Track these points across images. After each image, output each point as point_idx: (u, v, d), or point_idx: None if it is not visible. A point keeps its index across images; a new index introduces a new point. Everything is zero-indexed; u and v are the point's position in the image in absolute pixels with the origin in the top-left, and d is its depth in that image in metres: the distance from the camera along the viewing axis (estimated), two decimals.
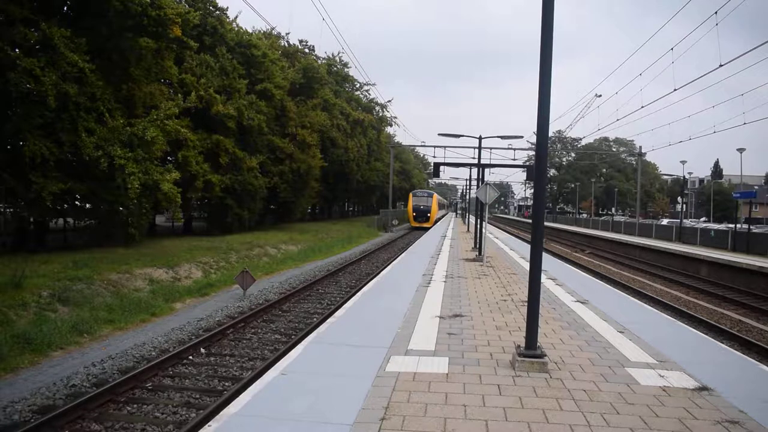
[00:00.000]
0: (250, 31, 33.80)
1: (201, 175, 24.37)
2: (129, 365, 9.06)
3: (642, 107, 73.24)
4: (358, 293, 11.76)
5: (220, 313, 13.24)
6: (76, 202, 19.63)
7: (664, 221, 56.77)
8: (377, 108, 62.92)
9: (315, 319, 12.46)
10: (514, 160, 67.55)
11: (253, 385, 5.51)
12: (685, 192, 66.00)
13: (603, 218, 68.69)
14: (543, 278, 10.95)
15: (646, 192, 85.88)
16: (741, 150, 41.44)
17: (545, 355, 6.10)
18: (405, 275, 13.98)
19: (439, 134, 51.38)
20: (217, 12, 29.86)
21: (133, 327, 11.71)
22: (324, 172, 41.33)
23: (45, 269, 13.61)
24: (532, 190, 7.63)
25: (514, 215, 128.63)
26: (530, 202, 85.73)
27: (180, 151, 23.17)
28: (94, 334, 10.79)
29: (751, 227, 31.15)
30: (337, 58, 53.66)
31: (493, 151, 61.34)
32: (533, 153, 22.21)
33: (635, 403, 5.08)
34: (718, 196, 75.33)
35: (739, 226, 35.26)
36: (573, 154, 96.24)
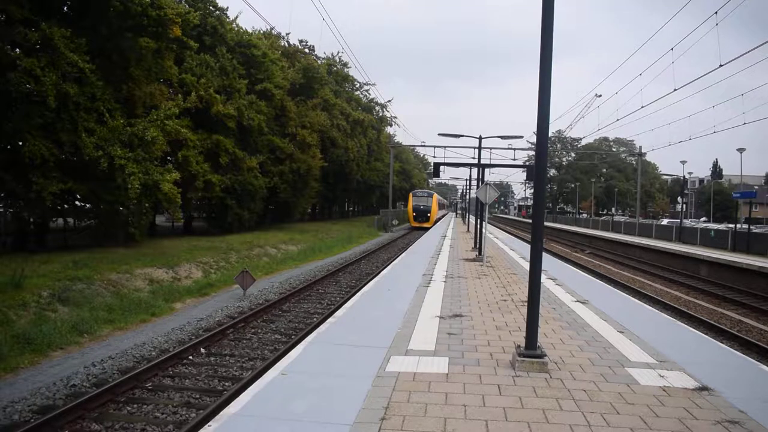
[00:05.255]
0: (250, 31, 33.84)
1: (201, 175, 24.36)
2: (129, 365, 9.06)
3: (642, 107, 73.03)
4: (358, 293, 11.76)
5: (220, 313, 13.24)
6: (76, 202, 19.63)
7: (664, 221, 56.76)
8: (377, 108, 63.00)
9: (315, 319, 12.46)
10: (514, 160, 67.39)
11: (253, 385, 5.51)
12: (685, 192, 66.01)
13: (603, 218, 68.67)
14: (543, 278, 10.96)
15: (646, 192, 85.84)
16: (741, 150, 41.45)
17: (545, 355, 6.10)
18: (405, 275, 13.98)
19: (439, 134, 51.48)
20: (217, 12, 29.86)
21: (133, 327, 11.71)
22: (324, 172, 41.34)
23: (45, 269, 13.61)
24: (532, 190, 7.63)
25: (514, 215, 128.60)
26: (530, 202, 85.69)
27: (180, 151, 23.16)
28: (94, 334, 10.79)
29: (751, 227, 31.14)
30: (337, 58, 53.72)
31: (493, 151, 61.47)
32: (533, 153, 22.22)
33: (635, 403, 5.08)
34: (718, 196, 75.33)
35: (739, 226, 35.25)
36: (573, 154, 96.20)
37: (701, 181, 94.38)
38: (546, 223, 30.54)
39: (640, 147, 63.59)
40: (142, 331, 11.40)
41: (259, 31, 36.91)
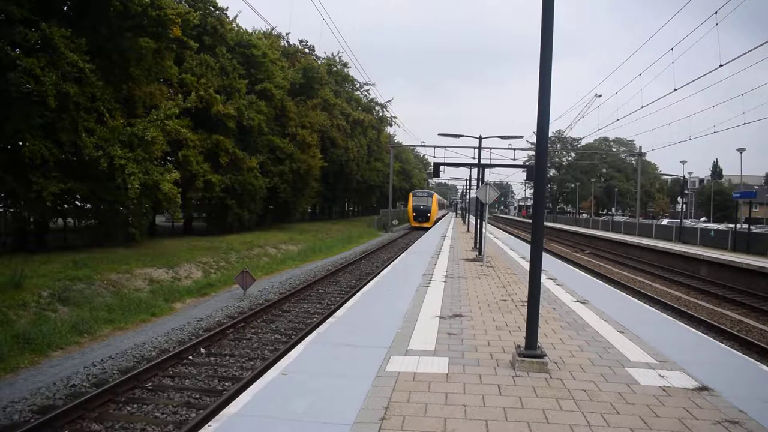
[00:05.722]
0: (250, 31, 33.84)
1: (201, 175, 24.37)
2: (129, 365, 9.06)
3: (642, 107, 73.40)
4: (358, 293, 11.76)
5: (220, 313, 13.24)
6: (76, 202, 19.62)
7: (664, 221, 56.74)
8: (377, 108, 63.00)
9: (315, 319, 12.47)
10: (514, 160, 67.44)
11: (253, 385, 5.51)
12: (685, 192, 66.00)
13: (603, 218, 68.65)
14: (543, 278, 10.94)
15: (646, 192, 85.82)
16: (741, 150, 41.49)
17: (545, 355, 6.10)
18: (405, 275, 13.98)
19: (439, 134, 51.52)
20: (217, 12, 29.82)
21: (133, 327, 11.71)
22: (324, 172, 41.32)
23: (45, 269, 13.61)
24: (532, 190, 7.63)
25: (514, 215, 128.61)
26: (530, 202, 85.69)
27: (180, 151, 23.17)
28: (94, 334, 10.80)
29: (751, 227, 31.14)
30: (337, 58, 53.68)
31: (493, 151, 61.46)
32: (533, 153, 22.24)
33: (635, 403, 5.08)
34: (718, 196, 75.30)
35: (739, 226, 35.24)
36: (573, 154, 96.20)
37: (701, 181, 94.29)
38: (546, 223, 30.52)
39: (640, 147, 63.57)
40: (142, 331, 11.40)
41: (259, 31, 36.89)
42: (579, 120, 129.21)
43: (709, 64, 48.42)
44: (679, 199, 68.44)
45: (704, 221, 64.68)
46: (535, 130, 6.14)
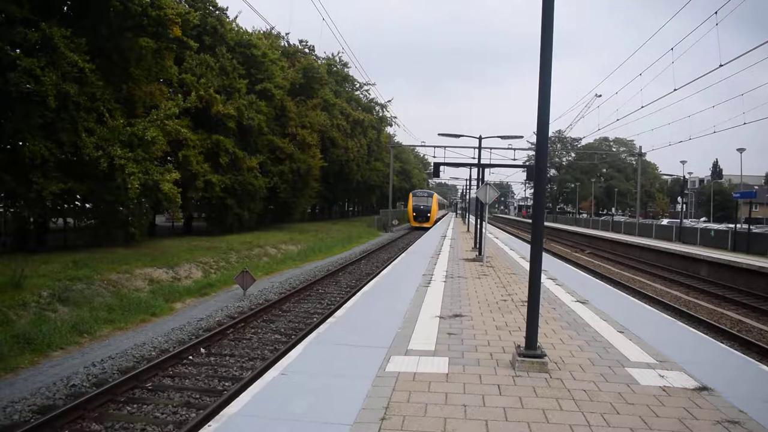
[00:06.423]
0: (250, 31, 33.86)
1: (201, 175, 24.37)
2: (129, 365, 9.06)
3: (642, 107, 73.48)
4: (358, 293, 11.76)
5: (220, 313, 13.24)
6: (77, 202, 19.63)
7: (664, 221, 56.73)
8: (377, 108, 63.07)
9: (315, 319, 12.47)
10: (514, 160, 67.41)
11: (253, 385, 5.51)
12: (685, 192, 66.00)
13: (603, 218, 68.65)
14: (543, 278, 10.94)
15: (646, 192, 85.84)
16: (741, 150, 41.48)
17: (545, 355, 6.09)
18: (405, 275, 13.98)
19: (439, 134, 51.57)
20: (217, 12, 29.86)
21: (133, 327, 11.71)
22: (324, 172, 41.34)
23: (45, 269, 13.61)
24: (532, 190, 7.63)
25: (514, 215, 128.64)
26: (530, 202, 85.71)
27: (180, 151, 23.18)
28: (94, 334, 10.79)
29: (751, 227, 31.13)
30: (337, 58, 53.78)
31: (493, 151, 61.27)
32: (533, 153, 22.22)
33: (635, 403, 5.08)
34: (718, 196, 75.32)
35: (739, 226, 35.24)
36: (573, 154, 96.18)
37: (701, 181, 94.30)
38: (546, 223, 30.54)
39: (640, 147, 63.55)
40: (142, 331, 11.40)
41: (259, 31, 36.94)
42: (579, 120, 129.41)
43: (709, 64, 48.50)
44: (679, 199, 68.41)
45: (704, 221, 64.68)
46: (535, 130, 6.14)
